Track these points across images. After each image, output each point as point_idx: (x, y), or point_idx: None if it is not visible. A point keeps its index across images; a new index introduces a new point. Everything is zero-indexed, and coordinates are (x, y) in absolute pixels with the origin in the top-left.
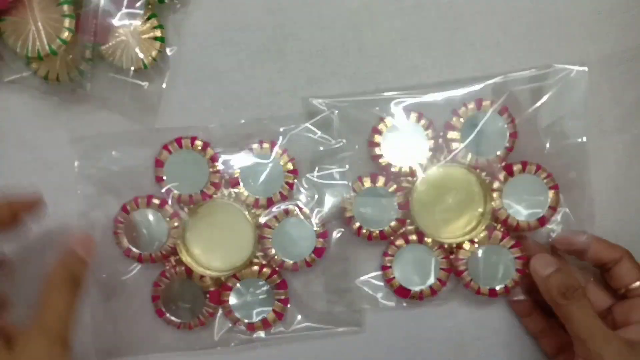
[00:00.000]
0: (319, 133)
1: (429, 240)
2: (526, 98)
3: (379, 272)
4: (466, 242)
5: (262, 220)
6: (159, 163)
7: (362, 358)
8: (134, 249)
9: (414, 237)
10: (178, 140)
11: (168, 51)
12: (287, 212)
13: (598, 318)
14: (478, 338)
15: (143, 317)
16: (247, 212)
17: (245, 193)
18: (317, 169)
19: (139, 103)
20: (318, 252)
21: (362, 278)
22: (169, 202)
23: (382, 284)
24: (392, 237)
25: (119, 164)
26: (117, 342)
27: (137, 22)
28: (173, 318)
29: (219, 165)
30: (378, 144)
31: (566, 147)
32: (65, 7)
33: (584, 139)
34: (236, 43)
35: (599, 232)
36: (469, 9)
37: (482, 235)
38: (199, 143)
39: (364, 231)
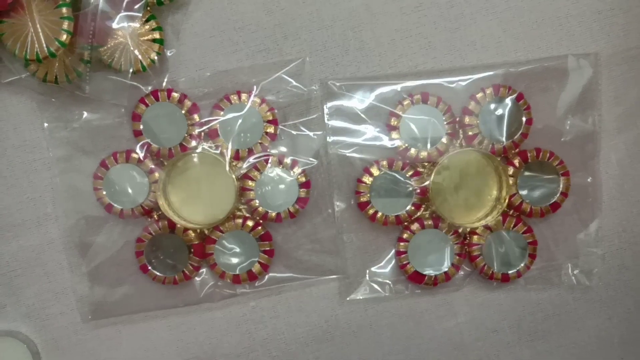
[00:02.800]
0: (293, 82)
1: (444, 225)
2: (543, 86)
3: (393, 258)
4: (480, 227)
5: (243, 171)
6: (136, 117)
7: (362, 358)
8: (116, 205)
9: (429, 222)
10: (154, 93)
11: (167, 53)
12: (267, 163)
13: None
14: (478, 338)
15: (126, 276)
16: (228, 164)
17: (226, 145)
18: (290, 118)
19: None
20: (301, 202)
21: (376, 265)
22: (146, 156)
23: (395, 270)
24: (407, 222)
25: (92, 122)
26: (101, 303)
27: (136, 24)
28: (158, 273)
29: (197, 118)
30: (396, 128)
31: (580, 134)
32: (64, 10)
33: (599, 126)
34: (235, 43)
35: (601, 232)
36: (469, 7)
37: (496, 220)
38: (175, 95)
39: (380, 216)
